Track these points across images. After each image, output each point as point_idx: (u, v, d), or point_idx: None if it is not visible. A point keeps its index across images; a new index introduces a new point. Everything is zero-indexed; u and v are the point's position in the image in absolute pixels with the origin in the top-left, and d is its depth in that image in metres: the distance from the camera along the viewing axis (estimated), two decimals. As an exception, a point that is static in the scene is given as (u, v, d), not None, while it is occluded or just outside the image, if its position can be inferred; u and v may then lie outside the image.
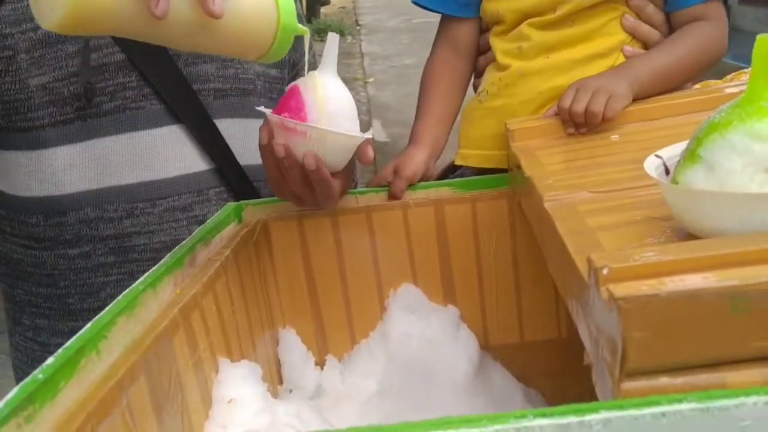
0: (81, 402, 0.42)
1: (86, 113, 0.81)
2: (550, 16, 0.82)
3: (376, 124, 6.38)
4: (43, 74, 0.79)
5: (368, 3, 18.95)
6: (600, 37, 0.83)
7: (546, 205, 0.51)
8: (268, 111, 0.68)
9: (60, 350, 0.45)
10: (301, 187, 0.72)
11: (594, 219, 0.47)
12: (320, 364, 0.85)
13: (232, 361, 0.65)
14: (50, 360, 0.43)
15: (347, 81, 0.75)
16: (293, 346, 0.83)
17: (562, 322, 0.83)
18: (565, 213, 0.49)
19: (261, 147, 0.70)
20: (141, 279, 0.57)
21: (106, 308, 0.51)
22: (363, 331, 0.85)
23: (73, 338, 0.47)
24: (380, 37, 13.37)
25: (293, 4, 0.68)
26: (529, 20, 0.84)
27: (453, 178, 1.28)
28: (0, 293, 0.95)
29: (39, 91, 0.79)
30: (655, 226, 0.43)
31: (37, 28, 0.79)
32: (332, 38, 0.69)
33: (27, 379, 0.41)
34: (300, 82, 0.68)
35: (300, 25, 0.67)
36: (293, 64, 0.96)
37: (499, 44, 0.87)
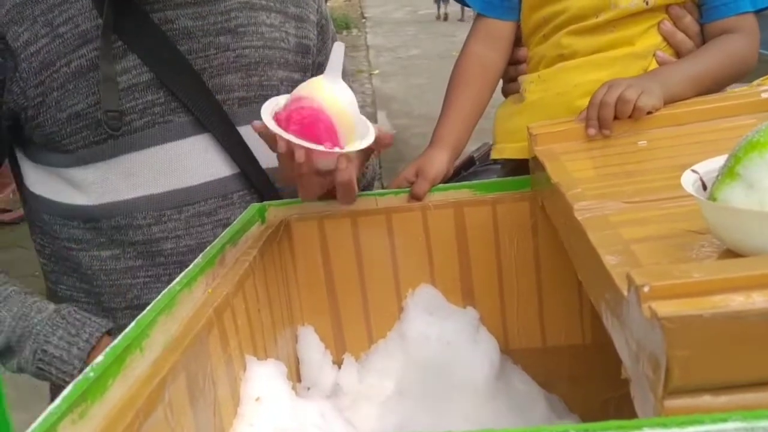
0: (129, 399, 0.44)
1: (118, 132, 0.85)
2: (592, 22, 0.85)
3: (381, 115, 6.39)
4: (76, 104, 0.84)
5: (374, -6, 18.96)
6: (639, 41, 0.86)
7: (577, 214, 0.53)
8: (302, 141, 0.69)
9: (108, 348, 0.47)
10: (319, 189, 0.77)
11: (627, 231, 0.48)
12: (337, 362, 0.87)
13: (258, 359, 0.67)
14: (99, 358, 0.45)
15: (352, 73, 0.79)
16: (312, 344, 0.85)
17: (585, 327, 0.84)
18: (597, 223, 0.50)
19: (280, 155, 0.73)
20: (177, 280, 0.59)
21: (148, 307, 0.53)
22: (380, 330, 0.87)
23: (120, 337, 0.49)
24: (385, 29, 13.37)
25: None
26: (569, 28, 0.86)
27: (466, 173, 1.31)
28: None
29: (72, 119, 0.84)
30: (691, 240, 0.45)
31: (70, 62, 0.83)
32: (338, 47, 0.73)
33: (79, 378, 0.43)
34: (321, 102, 0.70)
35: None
36: (318, 66, 0.98)
37: (539, 52, 0.90)
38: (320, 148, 0.69)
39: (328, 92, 0.70)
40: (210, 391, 0.56)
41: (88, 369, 0.44)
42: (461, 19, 14.05)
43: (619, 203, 0.54)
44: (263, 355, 0.69)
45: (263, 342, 0.70)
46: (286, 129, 0.69)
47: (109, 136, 0.84)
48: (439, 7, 14.81)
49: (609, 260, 0.44)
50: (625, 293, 0.39)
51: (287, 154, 0.70)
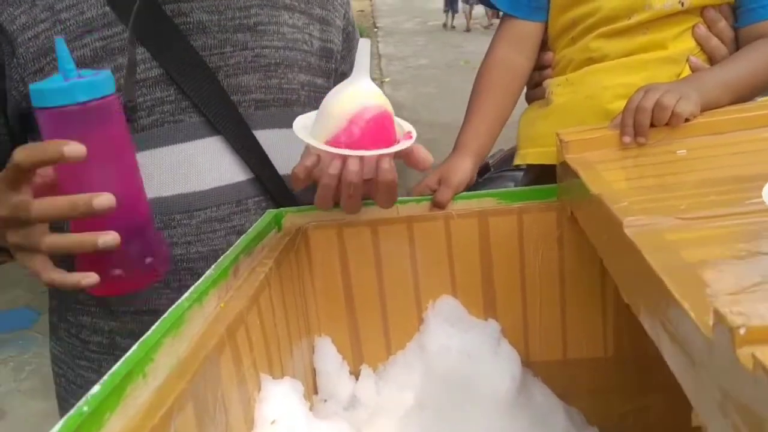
0: (128, 435, 0.37)
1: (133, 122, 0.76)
2: (623, 24, 0.77)
3: (391, 122, 6.31)
4: None
5: (385, 6, 18.87)
6: (672, 44, 0.77)
7: (627, 231, 0.45)
8: (377, 151, 0.61)
9: (106, 376, 0.39)
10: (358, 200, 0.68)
11: (689, 252, 0.40)
12: (355, 373, 0.79)
13: (273, 377, 0.59)
14: (96, 389, 0.38)
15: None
16: (329, 355, 0.77)
17: (608, 340, 0.77)
18: (653, 243, 0.43)
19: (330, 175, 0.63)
20: (186, 294, 0.51)
21: (153, 327, 0.46)
22: (399, 341, 0.79)
23: (120, 362, 0.41)
24: (396, 38, 13.29)
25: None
26: (599, 30, 0.78)
27: (481, 180, 1.23)
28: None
29: None
30: (764, 264, 0.37)
31: (72, 50, 0.74)
32: (365, 44, 0.64)
33: (72, 412, 0.36)
34: (376, 102, 0.61)
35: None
36: (341, 75, 0.90)
37: (566, 55, 0.81)
38: (392, 150, 0.61)
39: (373, 89, 0.62)
40: (221, 418, 0.48)
41: (82, 402, 0.37)
42: (467, 30, 14.29)
43: (672, 219, 0.46)
44: (279, 372, 0.62)
45: (279, 358, 0.62)
46: (359, 144, 0.60)
47: None
48: (447, 18, 14.85)
49: (675, 287, 0.36)
50: (707, 331, 0.31)
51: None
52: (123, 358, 0.41)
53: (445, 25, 14.84)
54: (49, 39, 0.73)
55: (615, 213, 0.48)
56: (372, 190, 0.67)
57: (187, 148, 0.77)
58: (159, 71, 0.76)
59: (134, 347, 0.43)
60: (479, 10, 14.56)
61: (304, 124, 0.65)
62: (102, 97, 0.57)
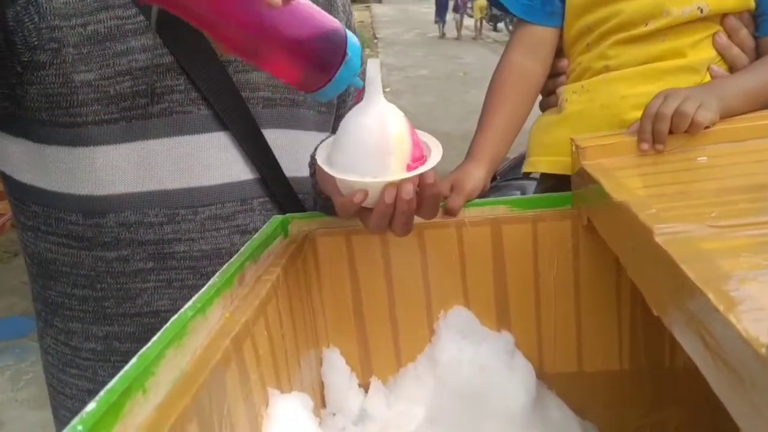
0: (127, 458, 0.34)
1: (131, 114, 0.73)
2: (641, 30, 0.74)
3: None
4: (89, 71, 0.71)
5: (385, 18, 18.94)
6: (691, 52, 0.75)
7: (659, 240, 0.42)
8: (422, 168, 0.59)
9: (103, 392, 0.36)
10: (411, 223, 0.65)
11: (728, 263, 0.38)
12: (364, 386, 0.76)
13: (281, 391, 0.56)
14: (92, 406, 0.35)
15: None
16: (337, 367, 0.74)
17: (624, 353, 0.74)
18: (688, 252, 0.40)
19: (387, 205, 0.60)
20: (189, 303, 0.49)
21: (154, 338, 0.43)
22: (410, 353, 0.76)
23: (118, 376, 0.38)
24: (396, 49, 13.33)
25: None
26: (616, 37, 0.76)
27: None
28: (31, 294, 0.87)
29: (84, 88, 0.71)
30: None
31: (86, 24, 0.71)
32: (374, 64, 0.61)
33: (66, 431, 0.33)
34: (403, 128, 0.59)
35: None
36: None
37: (582, 62, 0.79)
38: (433, 162, 0.59)
39: (394, 109, 0.60)
40: (226, 434, 0.45)
41: (76, 420, 0.34)
42: (457, 38, 15.59)
43: (704, 227, 0.43)
44: (287, 385, 0.59)
45: (287, 371, 0.59)
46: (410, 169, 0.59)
47: (122, 116, 0.72)
48: (439, 28, 16.09)
49: (719, 301, 0.33)
50: (760, 348, 0.28)
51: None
52: (121, 372, 0.38)
53: (439, 35, 15.93)
54: (67, 6, 0.70)
55: (643, 221, 0.46)
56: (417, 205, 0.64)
57: (194, 140, 0.75)
58: (170, 59, 0.73)
59: (133, 360, 0.40)
60: (469, 21, 16.15)
61: (328, 154, 0.62)
62: None
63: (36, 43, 0.70)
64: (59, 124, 0.73)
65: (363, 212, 0.63)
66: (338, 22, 0.61)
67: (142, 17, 0.72)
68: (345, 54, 0.60)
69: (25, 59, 0.70)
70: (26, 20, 0.69)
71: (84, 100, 0.72)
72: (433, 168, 0.60)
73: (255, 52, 0.60)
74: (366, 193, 0.59)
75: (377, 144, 0.58)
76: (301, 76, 0.60)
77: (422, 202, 0.62)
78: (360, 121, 0.59)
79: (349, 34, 0.61)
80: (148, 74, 0.72)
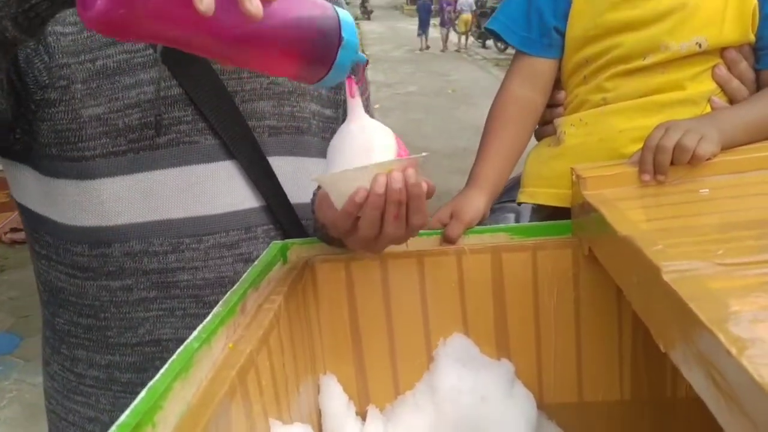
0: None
1: (139, 146, 0.74)
2: (639, 64, 0.75)
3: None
4: (98, 105, 0.73)
5: (374, 35, 19.07)
6: (691, 85, 0.76)
7: (667, 278, 0.43)
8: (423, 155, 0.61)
9: (114, 427, 0.36)
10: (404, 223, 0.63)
11: (739, 303, 0.38)
12: (361, 414, 0.76)
13: (282, 422, 0.56)
14: (102, 444, 0.35)
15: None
16: (334, 395, 0.74)
17: (625, 383, 0.74)
18: (697, 292, 0.40)
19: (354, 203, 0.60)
20: (194, 334, 0.48)
21: (161, 371, 0.43)
22: (408, 381, 0.76)
23: (127, 411, 0.38)
24: (385, 66, 13.41)
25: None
26: (614, 70, 0.77)
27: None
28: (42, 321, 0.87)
29: (92, 122, 0.73)
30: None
31: (95, 59, 0.72)
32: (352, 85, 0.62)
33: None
34: (388, 133, 0.61)
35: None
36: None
37: (579, 94, 0.80)
38: (413, 157, 0.61)
39: (374, 121, 0.62)
40: (230, 469, 0.45)
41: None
42: (443, 50, 16.08)
43: (712, 265, 0.44)
44: (287, 415, 0.58)
45: (287, 401, 0.59)
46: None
47: (129, 148, 0.73)
48: (421, 41, 16.57)
49: (731, 343, 0.34)
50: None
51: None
52: (130, 408, 0.38)
53: (421, 48, 16.32)
54: (76, 43, 0.72)
55: (650, 257, 0.46)
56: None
57: (200, 170, 0.76)
58: (178, 90, 0.74)
59: (142, 393, 0.40)
60: (453, 35, 16.69)
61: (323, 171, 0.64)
62: None
63: (47, 81, 0.71)
64: (67, 159, 0.74)
65: (355, 230, 0.62)
66: (326, 4, 0.58)
67: (150, 51, 0.73)
68: (341, 39, 0.57)
69: (38, 98, 0.72)
70: (36, 61, 0.71)
71: (92, 134, 0.73)
72: (418, 170, 0.61)
73: (247, 62, 0.58)
74: (366, 191, 0.59)
75: (362, 144, 0.60)
76: (300, 72, 0.59)
77: (409, 203, 0.61)
78: (344, 129, 0.62)
79: (341, 12, 0.58)
80: (156, 106, 0.73)
